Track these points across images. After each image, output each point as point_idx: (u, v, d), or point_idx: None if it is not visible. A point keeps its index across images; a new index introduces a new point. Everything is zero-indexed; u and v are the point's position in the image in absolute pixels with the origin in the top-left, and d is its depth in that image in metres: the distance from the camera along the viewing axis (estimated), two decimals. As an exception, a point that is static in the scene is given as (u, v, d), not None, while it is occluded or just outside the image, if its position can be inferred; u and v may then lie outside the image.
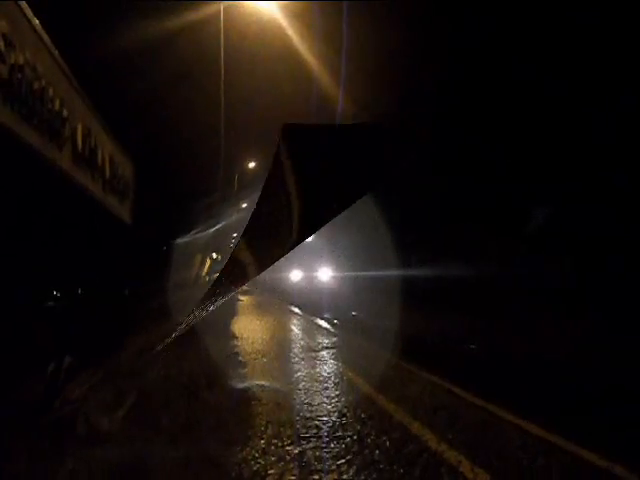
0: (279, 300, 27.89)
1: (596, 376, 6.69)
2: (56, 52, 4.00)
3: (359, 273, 23.03)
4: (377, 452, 3.72)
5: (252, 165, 26.16)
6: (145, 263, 8.61)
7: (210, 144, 13.24)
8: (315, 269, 25.06)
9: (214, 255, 32.79)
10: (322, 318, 16.01)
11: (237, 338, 10.65)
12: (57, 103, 4.02)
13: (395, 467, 3.42)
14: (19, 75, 3.38)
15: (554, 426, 4.11)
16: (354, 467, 3.45)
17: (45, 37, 3.82)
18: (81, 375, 4.84)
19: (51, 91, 3.92)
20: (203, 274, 24.77)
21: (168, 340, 5.86)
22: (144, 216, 7.45)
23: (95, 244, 5.58)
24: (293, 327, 13.56)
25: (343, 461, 3.56)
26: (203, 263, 18.74)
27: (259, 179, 29.36)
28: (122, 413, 4.50)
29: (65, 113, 4.16)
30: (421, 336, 11.31)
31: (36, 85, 3.64)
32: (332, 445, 3.89)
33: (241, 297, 31.99)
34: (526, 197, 15.03)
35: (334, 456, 3.66)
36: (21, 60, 3.48)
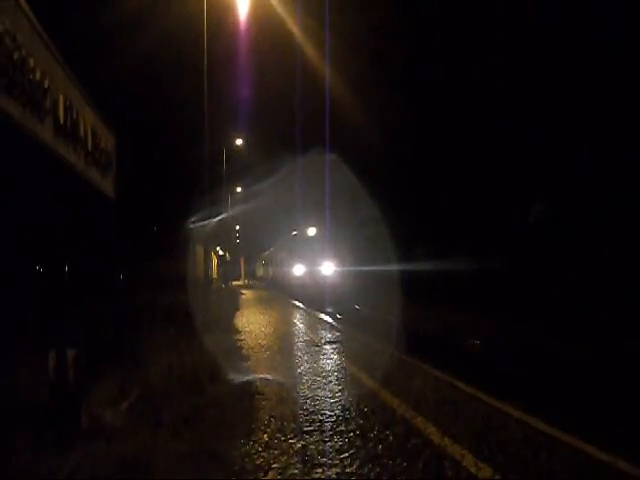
0: (282, 294, 27.90)
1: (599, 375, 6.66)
2: (35, 20, 3.90)
3: (362, 267, 23.04)
4: (380, 446, 3.72)
5: (239, 142, 26.10)
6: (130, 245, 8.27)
7: (193, 116, 13.08)
8: (318, 263, 25.03)
9: (220, 251, 32.06)
10: (325, 312, 16.02)
11: (240, 332, 10.67)
12: (38, 73, 3.92)
13: (398, 461, 3.42)
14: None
15: (556, 421, 4.10)
16: (357, 461, 3.45)
17: (23, 3, 3.71)
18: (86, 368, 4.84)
19: (32, 61, 3.82)
20: (212, 274, 24.32)
21: None
22: (128, 190, 7.15)
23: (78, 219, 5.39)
24: (296, 321, 13.57)
25: (346, 455, 3.56)
26: (208, 258, 18.48)
27: (247, 158, 29.14)
28: (126, 406, 4.51)
29: (46, 84, 4.07)
30: (425, 330, 11.30)
31: (16, 55, 3.55)
32: (335, 439, 3.89)
33: (243, 291, 32.07)
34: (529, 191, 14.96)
35: (337, 450, 3.66)
36: (0, 29, 3.36)
